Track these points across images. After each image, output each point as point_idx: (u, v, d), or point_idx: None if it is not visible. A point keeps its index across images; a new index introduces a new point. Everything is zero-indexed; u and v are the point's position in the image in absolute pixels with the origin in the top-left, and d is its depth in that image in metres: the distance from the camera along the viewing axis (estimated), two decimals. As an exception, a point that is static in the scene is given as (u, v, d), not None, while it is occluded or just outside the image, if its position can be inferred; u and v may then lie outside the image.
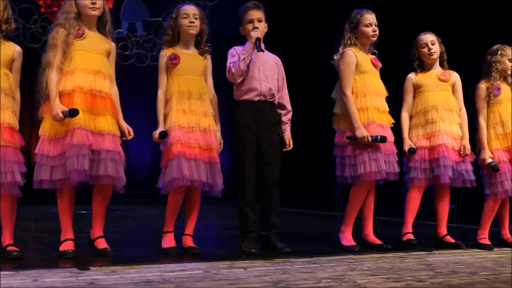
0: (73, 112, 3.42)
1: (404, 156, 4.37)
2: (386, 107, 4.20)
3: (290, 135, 4.19)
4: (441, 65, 4.46)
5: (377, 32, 4.19)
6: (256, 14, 4.05)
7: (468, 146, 4.32)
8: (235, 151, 4.09)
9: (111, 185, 3.63)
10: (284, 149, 4.17)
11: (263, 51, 4.05)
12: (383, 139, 4.02)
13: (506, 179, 4.30)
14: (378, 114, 4.13)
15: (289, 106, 4.23)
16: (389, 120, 4.21)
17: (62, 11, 3.66)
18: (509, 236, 4.49)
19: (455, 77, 4.44)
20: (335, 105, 4.23)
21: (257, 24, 4.03)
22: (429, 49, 4.35)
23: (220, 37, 10.14)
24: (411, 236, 4.26)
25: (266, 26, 4.11)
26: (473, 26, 7.75)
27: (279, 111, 4.16)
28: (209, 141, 3.84)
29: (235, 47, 4.10)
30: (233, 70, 3.97)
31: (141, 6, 9.95)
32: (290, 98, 4.28)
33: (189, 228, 3.94)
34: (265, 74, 4.07)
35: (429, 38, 4.38)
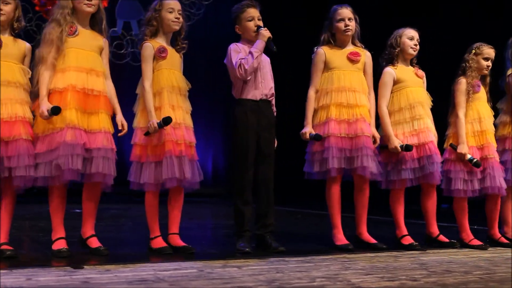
0: (55, 110, 3.44)
1: (380, 152, 4.28)
2: (355, 101, 4.13)
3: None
4: (411, 63, 4.46)
5: (349, 27, 4.19)
6: (256, 12, 4.07)
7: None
8: (235, 149, 4.07)
9: (101, 183, 3.62)
10: None
11: (275, 50, 4.00)
12: (317, 137, 4.04)
13: (476, 178, 4.31)
14: (339, 110, 4.11)
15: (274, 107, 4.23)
16: (360, 114, 4.11)
17: (58, 6, 3.67)
18: (499, 235, 4.50)
19: (424, 74, 4.45)
20: None
21: (258, 22, 4.04)
22: (415, 44, 4.36)
23: (216, 36, 10.17)
24: (412, 240, 4.23)
25: None
26: (461, 25, 7.77)
27: None
28: (191, 138, 3.84)
29: (237, 43, 4.10)
30: (246, 67, 3.94)
31: (136, 5, 9.93)
32: (285, 97, 4.28)
33: (175, 227, 3.92)
34: (265, 73, 4.09)
35: (416, 34, 4.37)
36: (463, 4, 7.91)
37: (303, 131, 4.15)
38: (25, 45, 3.66)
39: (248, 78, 4.00)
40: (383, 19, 7.90)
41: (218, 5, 10.23)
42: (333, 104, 4.12)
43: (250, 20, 4.05)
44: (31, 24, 9.07)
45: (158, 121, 3.67)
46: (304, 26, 10.02)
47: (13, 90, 3.51)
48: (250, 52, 3.96)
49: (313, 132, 4.11)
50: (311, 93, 4.21)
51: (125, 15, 9.97)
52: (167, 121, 3.64)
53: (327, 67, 4.21)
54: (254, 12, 4.06)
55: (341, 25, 4.19)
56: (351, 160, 4.08)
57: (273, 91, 4.11)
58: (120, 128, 3.68)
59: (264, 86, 4.06)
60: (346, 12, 4.19)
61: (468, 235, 4.40)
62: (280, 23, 9.07)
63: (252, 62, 3.94)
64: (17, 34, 3.68)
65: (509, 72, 4.57)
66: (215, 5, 10.24)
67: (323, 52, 4.22)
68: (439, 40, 7.35)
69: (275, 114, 4.22)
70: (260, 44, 3.98)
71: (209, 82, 8.70)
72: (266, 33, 3.99)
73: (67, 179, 3.49)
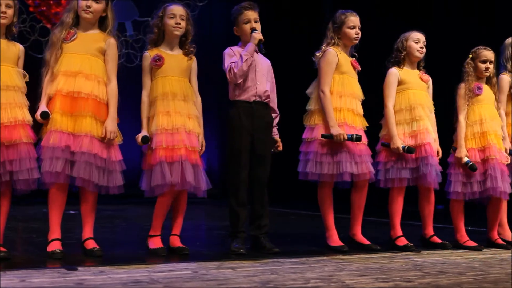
0: (43, 115, 3.52)
1: (377, 154, 4.32)
2: (360, 110, 4.18)
3: (279, 137, 4.22)
4: (418, 67, 4.47)
5: (359, 35, 4.19)
6: (253, 15, 4.05)
7: (440, 150, 4.36)
8: (229, 151, 4.07)
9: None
10: (275, 151, 4.19)
11: (264, 52, 4.03)
12: (358, 138, 4.01)
13: (476, 181, 4.31)
14: (351, 116, 4.11)
15: (277, 110, 4.24)
16: (362, 123, 4.18)
17: (66, 9, 3.73)
18: (497, 237, 4.51)
19: (430, 79, 4.46)
20: (309, 102, 4.22)
21: (254, 24, 4.03)
22: (421, 47, 4.37)
23: (210, 37, 10.16)
24: (406, 241, 4.23)
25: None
26: (458, 29, 7.77)
27: None
28: (194, 143, 3.81)
29: (232, 47, 4.09)
30: (235, 71, 3.95)
31: (131, 6, 9.92)
32: (281, 98, 4.28)
33: (177, 228, 3.93)
34: (261, 75, 4.08)
35: (422, 37, 4.39)
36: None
37: (338, 132, 3.98)
38: (18, 47, 3.66)
39: (239, 81, 4.00)
40: (380, 21, 7.92)
41: (213, 7, 10.22)
42: (347, 109, 4.10)
43: (247, 23, 4.04)
44: (25, 25, 9.05)
45: (143, 135, 3.75)
46: (303, 28, 10.07)
47: (12, 94, 3.51)
48: (241, 56, 3.96)
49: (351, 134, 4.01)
50: (328, 92, 4.09)
51: (119, 16, 9.92)
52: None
53: (338, 69, 4.16)
54: (251, 15, 4.05)
55: (352, 32, 4.17)
56: (358, 166, 4.08)
57: (268, 93, 4.10)
58: (102, 135, 3.59)
59: (258, 88, 4.05)
60: (357, 20, 4.19)
61: (463, 236, 4.41)
62: (279, 26, 9.12)
63: (241, 66, 3.94)
64: (13, 37, 3.67)
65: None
66: (210, 7, 10.24)
67: (336, 53, 4.17)
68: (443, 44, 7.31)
69: (277, 117, 4.22)
70: (250, 47, 3.97)
71: (203, 84, 8.68)
72: (257, 35, 3.97)
73: (50, 181, 3.52)
